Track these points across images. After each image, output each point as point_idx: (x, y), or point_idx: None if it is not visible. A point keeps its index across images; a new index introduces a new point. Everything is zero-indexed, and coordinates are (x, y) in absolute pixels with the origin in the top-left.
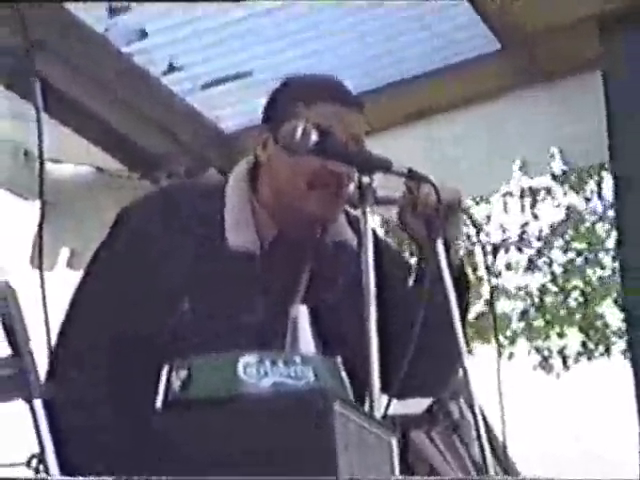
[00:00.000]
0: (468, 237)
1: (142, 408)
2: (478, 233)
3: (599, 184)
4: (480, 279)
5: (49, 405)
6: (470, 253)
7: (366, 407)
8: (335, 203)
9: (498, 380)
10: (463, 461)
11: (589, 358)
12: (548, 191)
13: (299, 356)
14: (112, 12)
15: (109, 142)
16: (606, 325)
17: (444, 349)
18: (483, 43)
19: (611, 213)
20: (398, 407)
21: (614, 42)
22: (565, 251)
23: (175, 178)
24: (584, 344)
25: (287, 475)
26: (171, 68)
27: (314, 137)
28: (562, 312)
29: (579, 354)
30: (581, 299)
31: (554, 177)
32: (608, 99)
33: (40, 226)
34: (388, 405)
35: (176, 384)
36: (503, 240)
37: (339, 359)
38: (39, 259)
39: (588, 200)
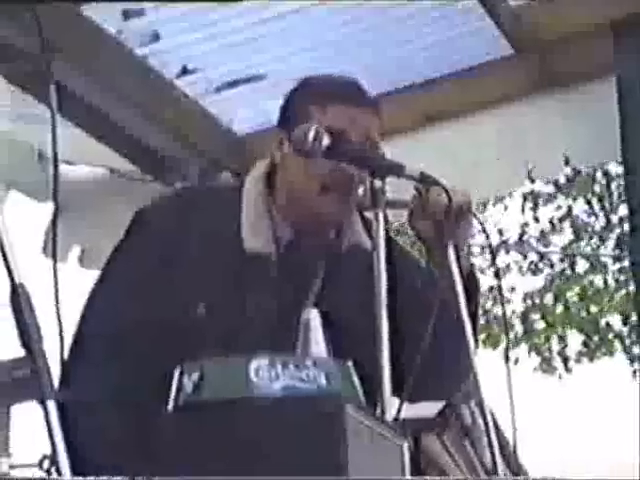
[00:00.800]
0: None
1: (154, 409)
2: (488, 237)
3: (607, 188)
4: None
5: (62, 405)
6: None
7: (378, 411)
8: (346, 206)
9: (509, 385)
10: (474, 466)
11: (591, 359)
12: (550, 195)
13: (311, 359)
14: (126, 15)
15: (122, 144)
16: (608, 326)
17: (455, 352)
18: (496, 48)
19: (615, 218)
20: (410, 411)
21: (628, 47)
22: (565, 255)
23: (188, 180)
24: (585, 344)
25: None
26: (184, 71)
27: (326, 140)
28: (562, 314)
29: (581, 354)
30: (580, 303)
31: (556, 182)
32: (622, 105)
33: (54, 228)
34: (400, 409)
35: (188, 387)
36: (502, 242)
37: (351, 363)
38: (53, 263)
39: (590, 204)
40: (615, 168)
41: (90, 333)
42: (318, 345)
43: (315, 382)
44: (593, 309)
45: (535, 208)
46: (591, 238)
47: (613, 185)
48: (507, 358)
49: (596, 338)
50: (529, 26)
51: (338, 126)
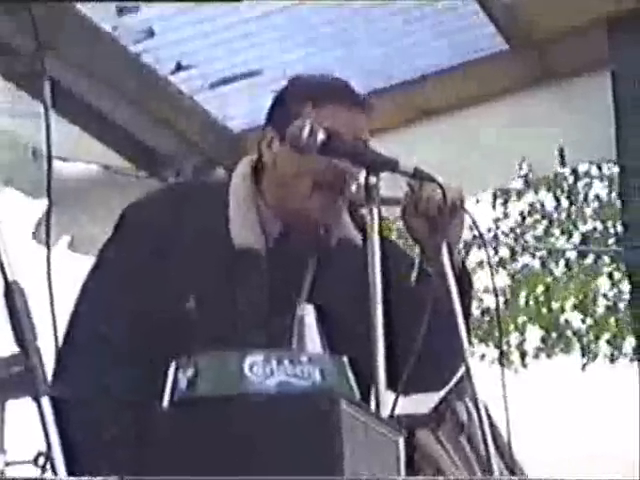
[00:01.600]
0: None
1: (148, 404)
2: (481, 235)
3: (575, 185)
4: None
5: (56, 401)
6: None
7: (372, 406)
8: (338, 203)
9: (502, 380)
10: (470, 461)
11: (548, 355)
12: (520, 192)
13: (306, 355)
14: (120, 11)
15: (117, 141)
16: (567, 323)
17: (448, 346)
18: (491, 43)
19: (589, 211)
20: (405, 407)
21: (623, 42)
22: (534, 249)
23: (183, 177)
24: (544, 340)
25: (293, 474)
26: (179, 67)
27: (321, 135)
28: (524, 309)
29: (539, 350)
30: (543, 298)
31: (526, 178)
32: (616, 99)
33: (47, 225)
34: (395, 404)
35: (183, 382)
36: (474, 237)
37: (346, 358)
38: (47, 265)
39: (558, 201)
40: (583, 167)
41: (82, 323)
42: (313, 340)
43: (310, 378)
44: (555, 305)
45: (505, 204)
46: (561, 233)
47: (580, 184)
48: (501, 354)
49: (555, 335)
50: (524, 21)
51: (331, 126)
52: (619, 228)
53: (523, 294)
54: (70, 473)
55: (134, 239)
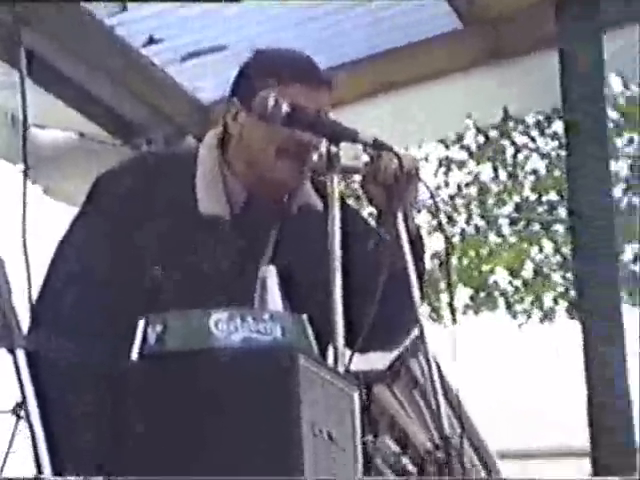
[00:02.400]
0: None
1: (117, 361)
2: (436, 204)
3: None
4: None
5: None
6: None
7: (330, 362)
8: (301, 171)
9: (453, 339)
10: (423, 415)
11: (476, 312)
12: (462, 162)
13: (268, 313)
14: None
15: (92, 110)
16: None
17: (403, 308)
18: (446, 22)
19: (527, 182)
20: (362, 364)
21: (570, 21)
22: (469, 216)
23: (155, 145)
24: (472, 299)
25: (254, 426)
26: (151, 40)
27: (285, 107)
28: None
29: (467, 307)
30: (476, 261)
31: (469, 149)
32: (563, 76)
33: (24, 189)
34: (350, 359)
35: (152, 337)
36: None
37: (305, 316)
38: (22, 225)
39: (496, 171)
40: (521, 138)
41: (55, 286)
42: (274, 302)
43: (271, 334)
44: (485, 267)
45: (447, 172)
46: (496, 203)
47: (520, 155)
48: (453, 313)
49: (482, 294)
50: (478, 1)
51: (296, 102)
52: (552, 197)
53: (456, 257)
54: (56, 473)
55: (106, 207)
